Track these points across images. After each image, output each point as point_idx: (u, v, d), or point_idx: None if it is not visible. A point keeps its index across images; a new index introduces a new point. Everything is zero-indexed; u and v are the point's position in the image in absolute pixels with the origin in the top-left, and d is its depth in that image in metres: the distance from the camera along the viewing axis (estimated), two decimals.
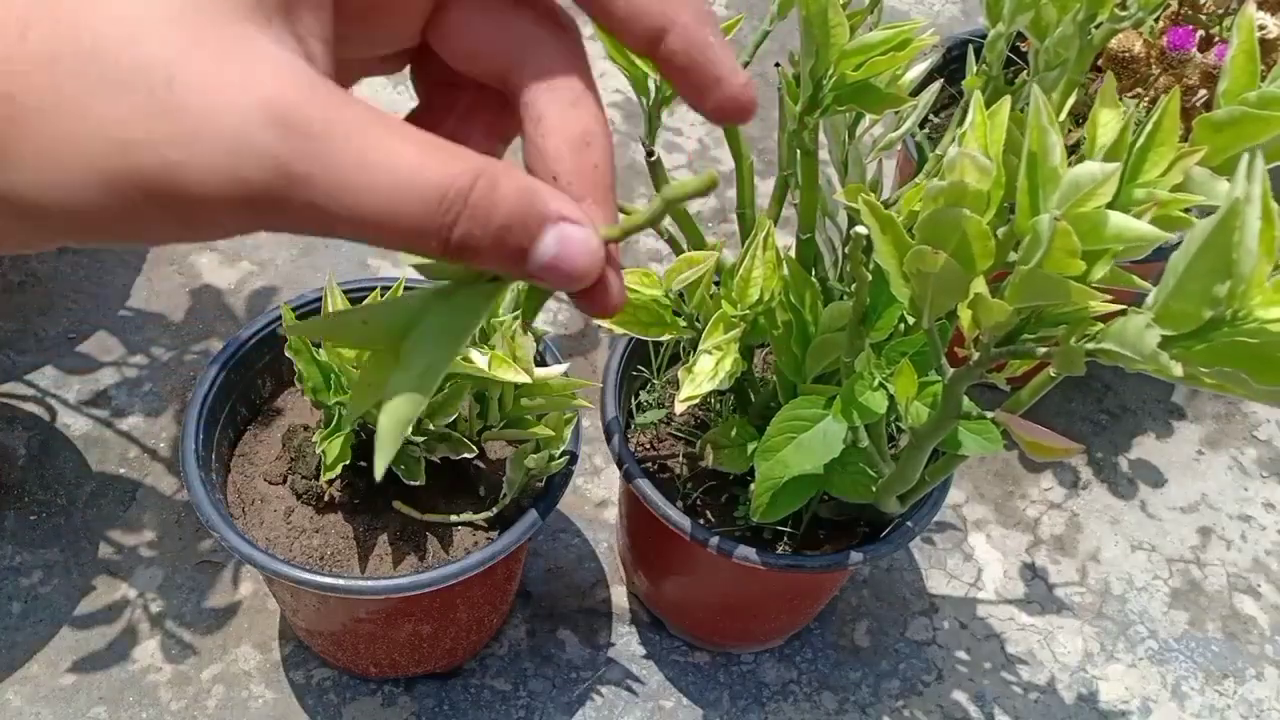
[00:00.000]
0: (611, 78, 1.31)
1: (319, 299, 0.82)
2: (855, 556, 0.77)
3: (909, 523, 0.79)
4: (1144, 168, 0.42)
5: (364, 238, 0.23)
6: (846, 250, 0.75)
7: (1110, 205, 0.38)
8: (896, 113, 0.62)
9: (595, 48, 0.63)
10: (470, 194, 0.23)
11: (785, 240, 0.70)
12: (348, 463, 0.75)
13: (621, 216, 0.26)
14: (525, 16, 0.26)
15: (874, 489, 0.72)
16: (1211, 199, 0.45)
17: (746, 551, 0.77)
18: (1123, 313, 0.56)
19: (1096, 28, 0.50)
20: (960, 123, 0.56)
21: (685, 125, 1.34)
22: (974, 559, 1.06)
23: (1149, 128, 0.41)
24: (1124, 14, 0.38)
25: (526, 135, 0.26)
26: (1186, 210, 0.43)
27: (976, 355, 0.51)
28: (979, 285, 0.44)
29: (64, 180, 0.21)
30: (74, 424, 1.05)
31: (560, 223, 0.24)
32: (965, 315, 0.47)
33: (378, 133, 0.22)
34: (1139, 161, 0.42)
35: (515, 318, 0.74)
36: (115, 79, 0.21)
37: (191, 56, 0.21)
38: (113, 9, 0.22)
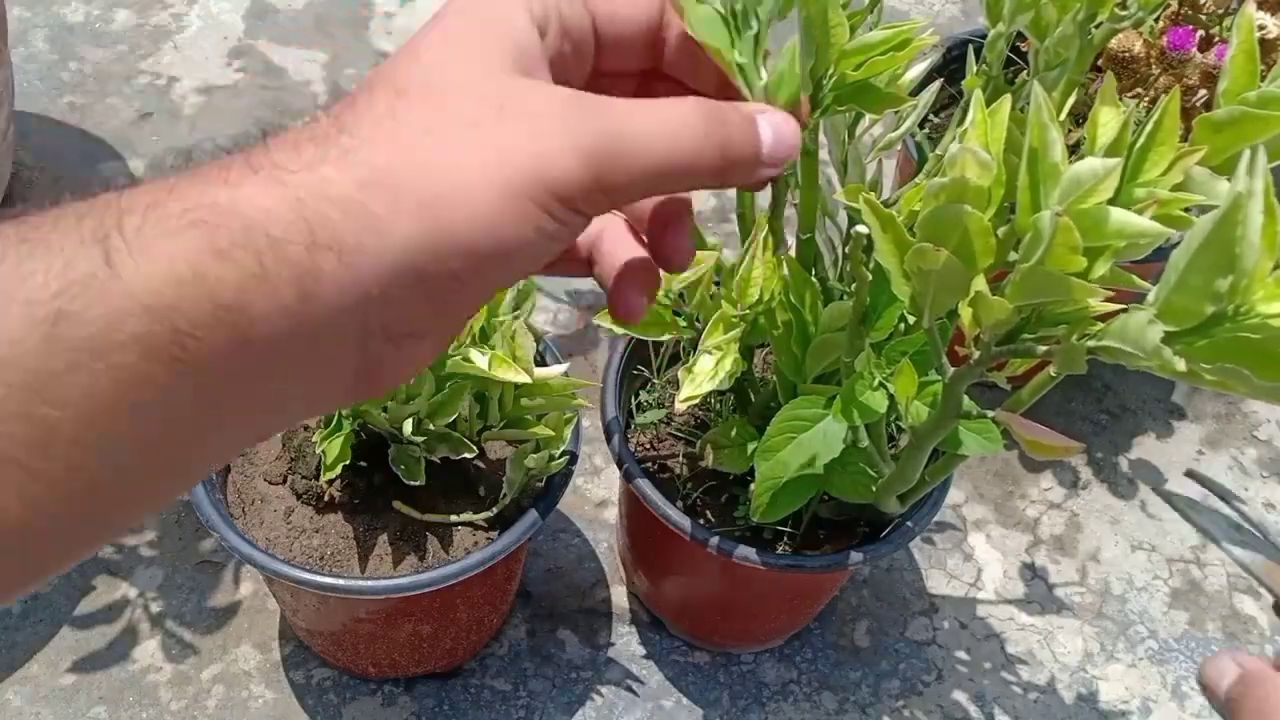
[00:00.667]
0: None
1: None
2: (855, 556, 0.77)
3: (909, 523, 0.79)
4: (1144, 167, 0.42)
5: (664, 178, 0.31)
6: (846, 250, 0.75)
7: (1111, 204, 0.38)
8: (896, 113, 0.62)
9: None
10: (713, 111, 0.32)
11: (785, 240, 0.70)
12: (348, 463, 0.75)
13: None
14: None
15: (874, 489, 0.72)
16: (1212, 198, 0.45)
17: (746, 551, 0.77)
18: (1123, 310, 0.56)
19: (1096, 27, 0.50)
20: (960, 122, 0.56)
21: None
22: (974, 559, 1.06)
23: (1149, 127, 0.41)
24: (1124, 14, 0.38)
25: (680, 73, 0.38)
26: (1186, 209, 0.43)
27: (977, 354, 0.51)
28: (979, 283, 0.44)
29: (474, 204, 0.28)
30: None
31: (762, 114, 0.34)
32: (966, 313, 0.47)
33: (634, 102, 0.31)
34: (1139, 161, 0.42)
35: (515, 317, 0.74)
36: (475, 116, 0.29)
37: (512, 88, 0.30)
38: (438, 81, 0.30)
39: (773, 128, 0.33)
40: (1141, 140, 0.42)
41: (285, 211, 0.27)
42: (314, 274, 0.27)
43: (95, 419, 0.26)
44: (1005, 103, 0.43)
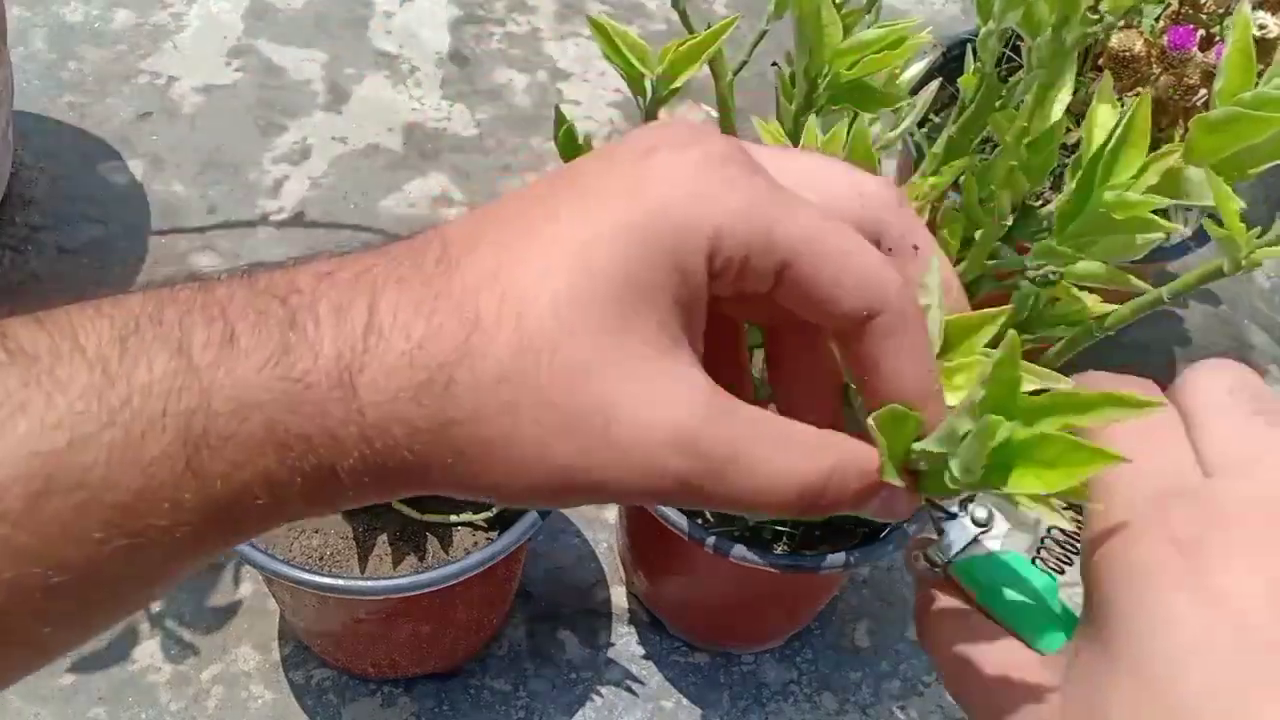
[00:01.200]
0: (611, 78, 1.31)
1: None
2: (853, 558, 0.77)
3: (905, 525, 0.79)
4: (1116, 170, 0.42)
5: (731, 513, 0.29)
6: None
7: (1081, 208, 0.38)
8: (896, 111, 0.62)
9: (592, 47, 0.63)
10: (825, 489, 0.29)
11: None
12: None
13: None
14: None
15: None
16: (1207, 199, 0.45)
17: (743, 551, 0.77)
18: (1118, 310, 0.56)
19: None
20: (956, 120, 0.56)
21: None
22: None
23: (1119, 130, 0.41)
24: (1094, 18, 0.38)
25: (851, 369, 0.31)
26: (1161, 212, 0.42)
27: None
28: None
29: (515, 491, 0.28)
30: None
31: (884, 493, 0.30)
32: None
33: (756, 444, 0.28)
34: (1110, 164, 0.42)
35: None
36: (566, 424, 0.27)
37: (624, 400, 0.27)
38: (561, 351, 0.27)
39: (884, 504, 0.30)
40: (1112, 143, 0.41)
41: (363, 450, 0.27)
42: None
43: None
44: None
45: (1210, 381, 0.31)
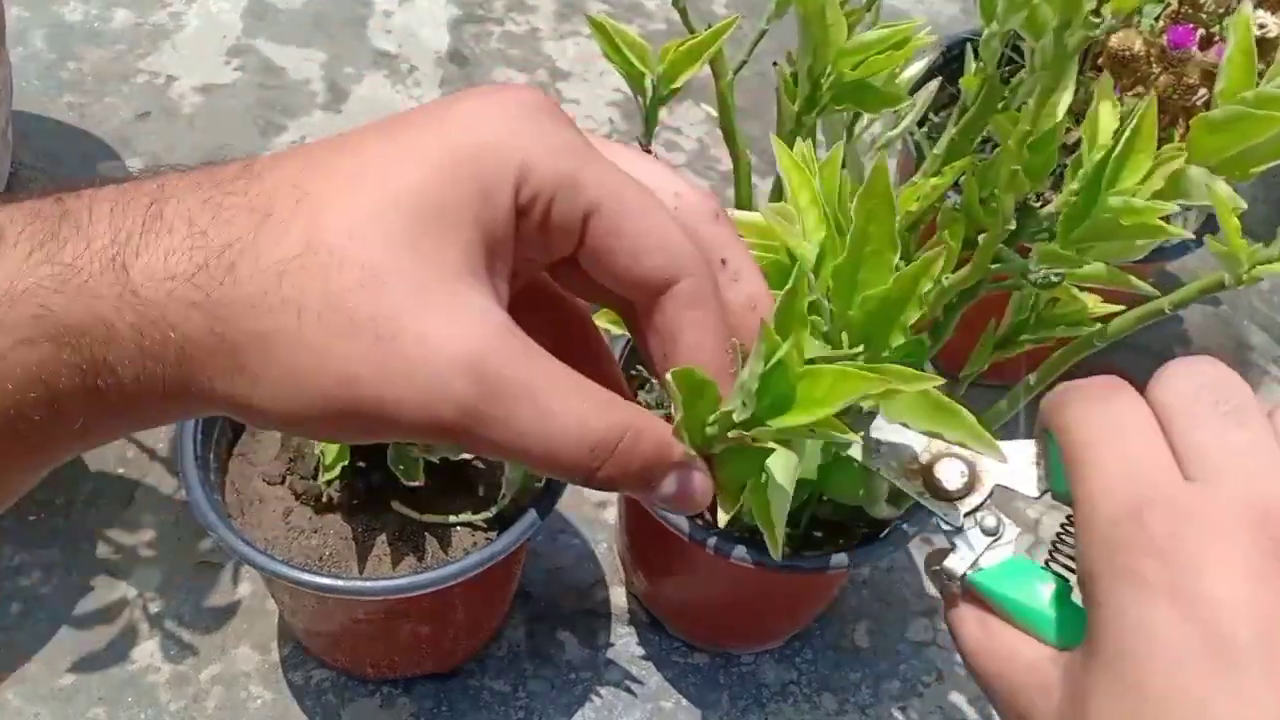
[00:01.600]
0: (610, 77, 1.31)
1: None
2: (850, 559, 0.77)
3: (904, 525, 0.79)
4: (1122, 174, 0.42)
5: (520, 466, 0.27)
6: None
7: (1087, 212, 0.38)
8: (895, 111, 0.62)
9: (591, 47, 0.63)
10: (617, 447, 0.28)
11: None
12: (346, 463, 0.75)
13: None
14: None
15: (860, 492, 0.71)
16: (1208, 199, 0.45)
17: (744, 552, 0.77)
18: (1123, 311, 0.56)
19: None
20: (957, 121, 0.56)
21: (685, 124, 1.33)
22: None
23: (1126, 134, 0.41)
24: (1096, 20, 0.39)
25: (650, 346, 0.31)
26: (1165, 218, 0.42)
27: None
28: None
29: (293, 401, 0.26)
30: None
31: (680, 469, 0.30)
32: None
33: (551, 387, 0.27)
34: (1117, 168, 0.42)
35: None
36: (352, 326, 0.26)
37: (414, 313, 0.26)
38: (353, 256, 0.26)
39: (679, 483, 0.30)
40: (1119, 148, 0.41)
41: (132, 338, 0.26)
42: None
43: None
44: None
45: (1185, 383, 0.31)
